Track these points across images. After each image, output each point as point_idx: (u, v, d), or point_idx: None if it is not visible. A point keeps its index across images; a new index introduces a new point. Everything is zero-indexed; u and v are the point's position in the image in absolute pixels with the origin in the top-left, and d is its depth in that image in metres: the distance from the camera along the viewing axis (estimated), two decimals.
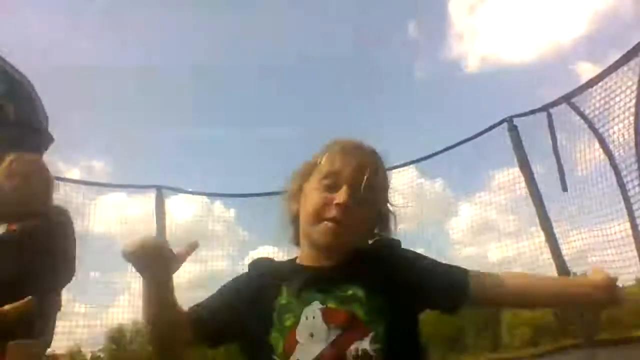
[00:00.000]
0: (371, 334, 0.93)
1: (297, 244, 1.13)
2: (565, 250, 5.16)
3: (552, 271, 5.16)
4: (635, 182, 4.44)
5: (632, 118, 4.44)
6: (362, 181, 1.02)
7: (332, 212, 1.00)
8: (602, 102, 4.79)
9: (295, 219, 1.12)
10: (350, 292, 0.98)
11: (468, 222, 6.58)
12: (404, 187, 6.15)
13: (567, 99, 5.11)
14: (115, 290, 6.71)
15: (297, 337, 0.95)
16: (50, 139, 2.79)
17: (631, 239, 4.51)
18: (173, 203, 6.76)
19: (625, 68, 4.49)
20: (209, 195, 7.38)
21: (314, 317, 0.96)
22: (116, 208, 6.61)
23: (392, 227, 1.14)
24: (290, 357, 0.94)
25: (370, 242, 1.12)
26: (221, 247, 6.90)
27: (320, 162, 1.08)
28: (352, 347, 0.92)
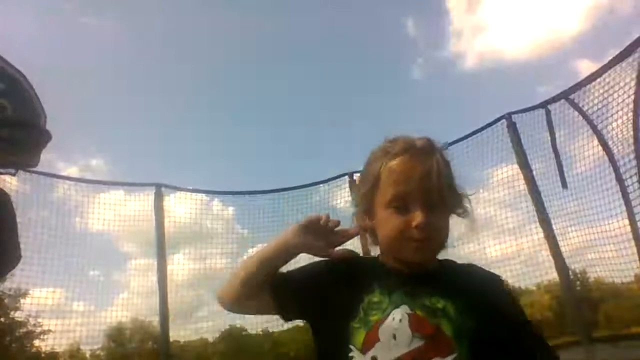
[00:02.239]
0: (454, 355, 0.92)
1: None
2: (564, 247, 5.17)
3: (551, 268, 5.17)
4: (634, 179, 4.43)
5: (630, 114, 4.43)
6: (431, 191, 1.00)
7: (415, 235, 0.99)
8: (601, 98, 4.76)
9: (370, 231, 1.11)
10: (440, 305, 0.97)
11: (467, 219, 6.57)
12: None
13: (565, 95, 5.09)
14: (114, 289, 6.73)
15: (379, 335, 0.95)
16: (48, 137, 2.76)
17: (630, 236, 4.50)
18: (172, 201, 6.76)
19: (623, 64, 4.46)
20: (207, 193, 7.37)
21: (400, 320, 0.96)
22: (115, 206, 6.57)
23: (468, 206, 1.13)
24: (369, 351, 0.94)
25: (467, 264, 1.13)
26: (220, 245, 6.89)
27: (380, 177, 1.04)
28: None
